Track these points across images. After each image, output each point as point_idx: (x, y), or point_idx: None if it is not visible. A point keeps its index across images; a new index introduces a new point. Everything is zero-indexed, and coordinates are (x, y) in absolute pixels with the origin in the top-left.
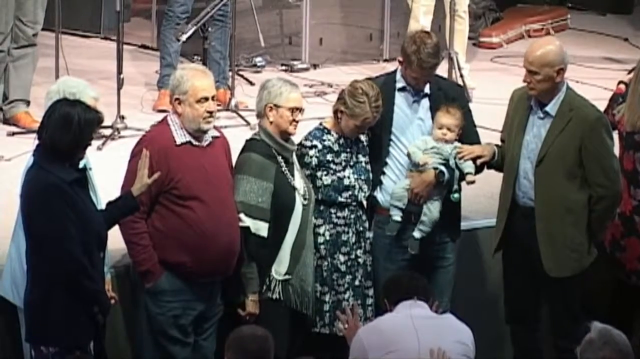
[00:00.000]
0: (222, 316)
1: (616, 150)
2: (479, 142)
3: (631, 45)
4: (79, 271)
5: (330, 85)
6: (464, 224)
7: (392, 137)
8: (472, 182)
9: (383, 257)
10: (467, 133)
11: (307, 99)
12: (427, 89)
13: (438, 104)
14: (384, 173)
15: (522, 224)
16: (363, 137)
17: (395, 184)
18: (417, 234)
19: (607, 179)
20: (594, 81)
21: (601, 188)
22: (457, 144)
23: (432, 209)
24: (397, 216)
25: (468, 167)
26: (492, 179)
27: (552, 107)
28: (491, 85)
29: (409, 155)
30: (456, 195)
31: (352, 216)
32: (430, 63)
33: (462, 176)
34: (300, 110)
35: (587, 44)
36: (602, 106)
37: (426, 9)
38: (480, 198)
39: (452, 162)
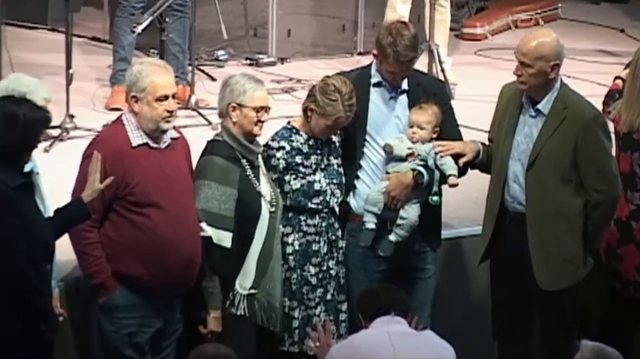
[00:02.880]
0: (182, 334)
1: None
2: (461, 140)
3: (628, 37)
4: (26, 286)
5: (299, 81)
6: (446, 232)
7: (367, 137)
8: (455, 185)
9: (357, 268)
10: (449, 133)
11: (274, 96)
12: (404, 85)
13: (417, 100)
14: (358, 177)
15: (511, 232)
16: (335, 138)
17: (370, 188)
18: (392, 237)
19: (605, 183)
20: (587, 76)
21: (598, 193)
22: (436, 142)
23: (410, 212)
24: (370, 223)
25: (450, 168)
26: (477, 182)
27: (544, 105)
28: (475, 81)
29: (389, 150)
30: (435, 198)
31: (324, 224)
32: (408, 56)
33: (444, 177)
34: (266, 109)
35: (580, 36)
36: (596, 103)
37: None
38: (464, 203)
39: (431, 163)
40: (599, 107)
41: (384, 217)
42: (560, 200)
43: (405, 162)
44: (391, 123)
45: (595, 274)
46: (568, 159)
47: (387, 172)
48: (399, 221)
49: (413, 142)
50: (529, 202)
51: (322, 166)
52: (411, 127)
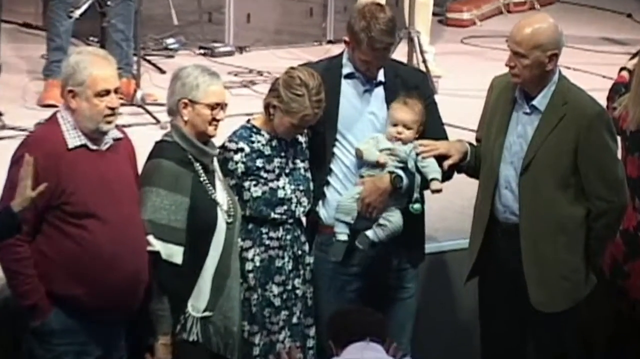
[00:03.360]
0: None
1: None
2: (446, 139)
3: (635, 22)
4: None
5: (260, 74)
6: (429, 246)
7: (338, 136)
8: (438, 190)
9: (327, 287)
10: (432, 131)
11: (232, 90)
12: (381, 76)
13: (395, 94)
14: (328, 182)
15: (502, 246)
16: (302, 138)
17: (342, 195)
18: (370, 233)
19: (609, 190)
20: (589, 67)
21: (602, 201)
22: (417, 142)
23: (392, 219)
24: (342, 234)
25: (433, 171)
26: (464, 188)
27: (541, 101)
28: (461, 73)
29: (359, 155)
30: (417, 206)
31: (289, 237)
32: (384, 43)
33: (426, 182)
34: (223, 106)
35: (581, 21)
36: (600, 98)
37: None
38: (450, 212)
39: (411, 165)
40: (603, 102)
41: (357, 229)
42: (558, 209)
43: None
44: (365, 120)
45: (599, 293)
46: (567, 162)
47: (362, 176)
48: (381, 221)
49: (401, 142)
50: (523, 211)
51: (287, 171)
52: (395, 125)
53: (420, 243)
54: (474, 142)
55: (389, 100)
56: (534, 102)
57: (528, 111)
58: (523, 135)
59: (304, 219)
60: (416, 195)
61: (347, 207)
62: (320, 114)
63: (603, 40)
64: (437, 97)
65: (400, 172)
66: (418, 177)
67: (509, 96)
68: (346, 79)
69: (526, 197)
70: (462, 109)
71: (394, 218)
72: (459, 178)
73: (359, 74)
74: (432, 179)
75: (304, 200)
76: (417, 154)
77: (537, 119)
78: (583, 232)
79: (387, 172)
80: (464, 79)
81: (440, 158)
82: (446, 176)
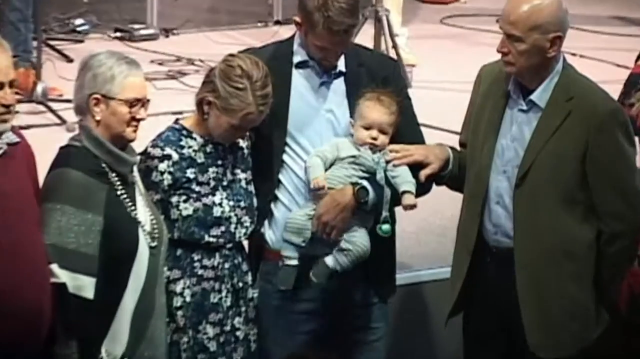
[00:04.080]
0: None
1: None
2: (423, 144)
3: None
4: None
5: (192, 62)
6: (401, 276)
7: (289, 140)
8: (413, 206)
9: (275, 327)
10: (405, 134)
11: (156, 83)
12: (341, 66)
13: (358, 87)
14: (275, 197)
15: (493, 276)
16: (243, 143)
17: (287, 221)
18: (330, 261)
19: (626, 206)
20: (600, 54)
21: (617, 220)
22: (387, 147)
23: (356, 242)
24: (292, 259)
25: (406, 183)
26: (445, 204)
27: (540, 95)
28: (442, 61)
29: (306, 169)
30: (386, 226)
31: (227, 265)
32: (344, 24)
33: (397, 197)
34: (144, 102)
35: None
36: (613, 92)
37: None
38: (427, 234)
39: (380, 176)
40: (617, 97)
41: (312, 255)
42: (562, 230)
43: (343, 171)
44: (322, 119)
45: (612, 334)
46: (574, 171)
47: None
48: (342, 245)
49: (374, 149)
50: (519, 233)
51: (225, 183)
52: (368, 128)
53: (391, 273)
54: (457, 147)
55: (351, 95)
56: (532, 97)
57: (525, 107)
58: (518, 138)
59: (245, 244)
60: (385, 213)
61: (299, 225)
62: (267, 112)
63: (616, 21)
64: (411, 91)
65: (366, 184)
66: (388, 191)
67: (500, 90)
68: (298, 69)
69: (522, 215)
70: (442, 105)
71: (358, 241)
72: (438, 192)
73: (313, 62)
74: (405, 193)
75: (246, 219)
76: (387, 162)
77: (536, 117)
78: (593, 258)
79: (350, 183)
80: (445, 68)
81: (415, 167)
82: (423, 189)
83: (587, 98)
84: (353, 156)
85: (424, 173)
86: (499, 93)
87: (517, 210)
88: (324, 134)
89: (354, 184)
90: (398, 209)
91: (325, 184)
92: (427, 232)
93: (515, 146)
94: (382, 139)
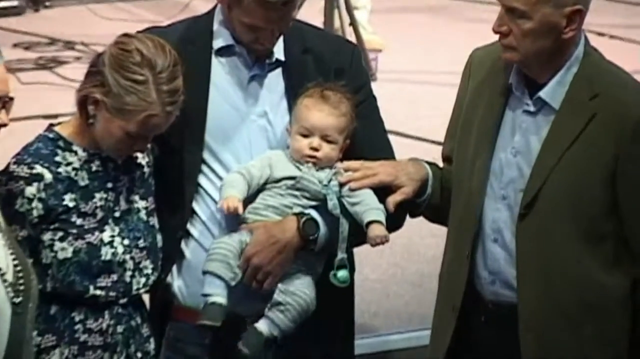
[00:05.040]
0: None
1: None
2: (391, 159)
3: None
4: None
5: (70, 46)
6: (363, 342)
7: (206, 155)
8: (384, 239)
9: None
10: (366, 144)
11: (21, 75)
12: (279, 52)
13: (303, 82)
14: (188, 234)
15: (488, 341)
16: (143, 159)
17: (211, 249)
18: (263, 325)
19: None
20: (633, 33)
21: None
22: (340, 165)
23: (300, 295)
24: (218, 296)
25: (370, 211)
26: (423, 243)
27: (553, 91)
28: (416, 45)
29: (220, 189)
30: (343, 273)
31: (120, 328)
32: None
33: (358, 231)
34: (4, 101)
35: None
36: None
37: None
38: (399, 284)
39: (332, 204)
40: None
41: (240, 314)
42: (583, 278)
43: (279, 199)
44: (252, 127)
45: None
46: (599, 196)
47: (245, 221)
48: (278, 297)
49: (317, 164)
50: (525, 282)
51: (117, 214)
52: (305, 136)
53: (347, 337)
54: (439, 163)
55: (292, 93)
56: (542, 95)
57: (532, 108)
58: (523, 150)
59: (146, 298)
60: (342, 254)
61: (228, 253)
62: (175, 115)
63: None
64: (375, 86)
65: (315, 215)
66: (345, 224)
67: (498, 84)
68: (219, 57)
69: (529, 257)
70: (417, 106)
71: (298, 290)
72: (413, 225)
73: (240, 48)
74: (370, 223)
75: (147, 265)
76: (342, 185)
77: (548, 122)
78: (625, 316)
79: (294, 214)
80: (421, 54)
81: (381, 191)
82: (392, 222)
83: (616, 96)
84: (292, 178)
85: (392, 200)
86: (497, 89)
87: (521, 250)
88: (254, 147)
89: (298, 214)
90: (360, 249)
91: (239, 206)
92: (399, 280)
93: (518, 161)
94: (327, 150)
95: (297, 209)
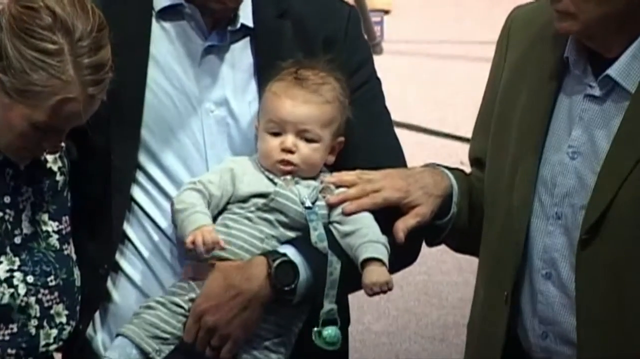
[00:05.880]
0: None
1: None
2: (401, 166)
3: None
4: None
5: None
6: None
7: (143, 157)
8: (385, 286)
9: None
10: (365, 144)
11: None
12: (245, 16)
13: (278, 56)
14: (117, 266)
15: None
16: (55, 164)
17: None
18: None
19: None
20: None
21: None
22: (329, 178)
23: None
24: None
25: (368, 244)
26: (444, 280)
27: (627, 69)
28: (437, 4)
29: (173, 214)
30: (331, 331)
31: None
32: None
33: (352, 272)
34: None
35: None
36: None
37: None
38: (413, 339)
39: (316, 235)
40: None
41: None
42: None
43: (245, 225)
44: (206, 120)
45: None
46: None
47: (190, 251)
48: None
49: (293, 175)
50: (589, 335)
51: (18, 240)
52: (277, 134)
53: None
54: (466, 169)
55: (263, 72)
56: (612, 73)
57: (597, 92)
58: (585, 150)
59: (58, 358)
60: (329, 306)
61: (161, 322)
62: (100, 99)
63: None
64: (380, 61)
65: (291, 254)
66: (336, 262)
67: (549, 58)
68: (162, 21)
69: (595, 300)
70: (437, 88)
71: (271, 355)
72: (432, 258)
73: (192, 8)
74: (369, 261)
75: (60, 311)
76: (332, 207)
77: (620, 110)
78: None
79: (261, 254)
80: (441, 17)
81: (385, 214)
82: (403, 255)
83: None
84: (262, 195)
85: (403, 226)
86: (546, 65)
87: (584, 291)
88: (210, 148)
89: (268, 254)
90: (355, 296)
91: (220, 241)
92: (412, 333)
93: (578, 166)
94: (306, 152)
95: (270, 243)
